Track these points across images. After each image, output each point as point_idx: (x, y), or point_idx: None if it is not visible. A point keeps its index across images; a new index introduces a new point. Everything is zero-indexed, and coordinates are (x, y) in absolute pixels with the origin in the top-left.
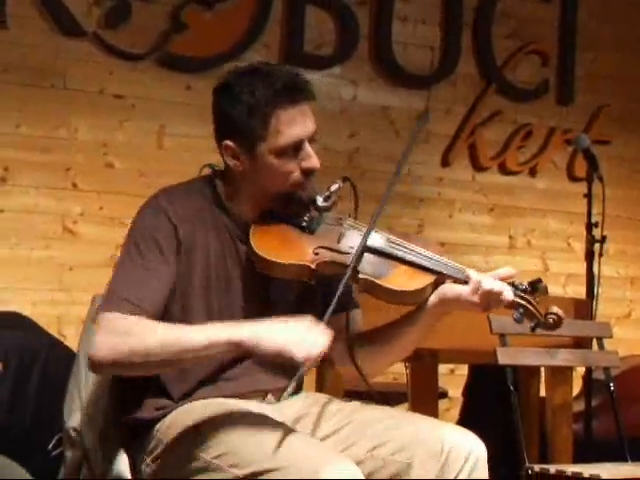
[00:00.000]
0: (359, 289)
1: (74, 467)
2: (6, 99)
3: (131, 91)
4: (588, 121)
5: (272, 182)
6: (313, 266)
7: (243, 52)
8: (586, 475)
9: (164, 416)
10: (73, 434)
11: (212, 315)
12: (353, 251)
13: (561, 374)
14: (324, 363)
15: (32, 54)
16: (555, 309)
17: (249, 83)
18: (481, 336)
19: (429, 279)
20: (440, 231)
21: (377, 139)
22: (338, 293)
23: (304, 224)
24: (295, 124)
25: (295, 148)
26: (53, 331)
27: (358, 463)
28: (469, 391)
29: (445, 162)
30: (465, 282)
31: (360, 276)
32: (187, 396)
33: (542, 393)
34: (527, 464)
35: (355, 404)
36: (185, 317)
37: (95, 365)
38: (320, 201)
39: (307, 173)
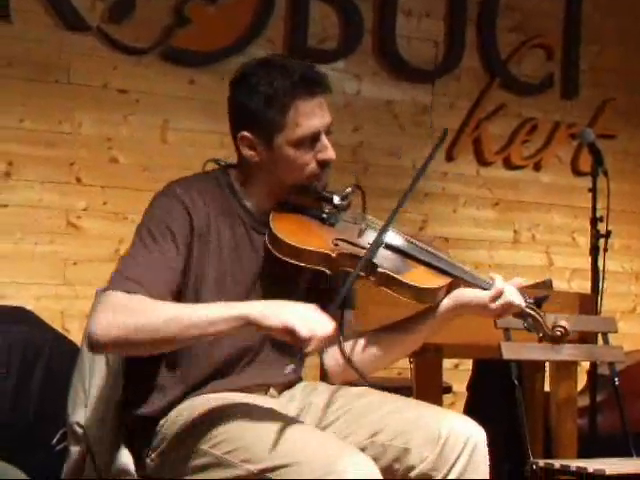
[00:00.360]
0: (376, 283)
1: (78, 462)
2: (10, 94)
3: (135, 86)
4: (593, 115)
5: (288, 173)
6: (334, 255)
7: (247, 46)
8: (590, 470)
9: (169, 411)
10: (77, 429)
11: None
12: None
13: (566, 369)
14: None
15: (36, 49)
16: (563, 322)
17: (267, 74)
18: (485, 331)
19: (446, 280)
20: (444, 226)
21: (381, 133)
22: (351, 279)
23: (324, 216)
24: (313, 116)
25: (312, 140)
26: (57, 326)
27: (361, 450)
28: (473, 386)
29: (449, 157)
30: (484, 288)
31: (379, 270)
32: (192, 391)
33: (547, 388)
34: (531, 459)
35: (352, 390)
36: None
37: (94, 343)
38: (337, 200)
39: (323, 164)
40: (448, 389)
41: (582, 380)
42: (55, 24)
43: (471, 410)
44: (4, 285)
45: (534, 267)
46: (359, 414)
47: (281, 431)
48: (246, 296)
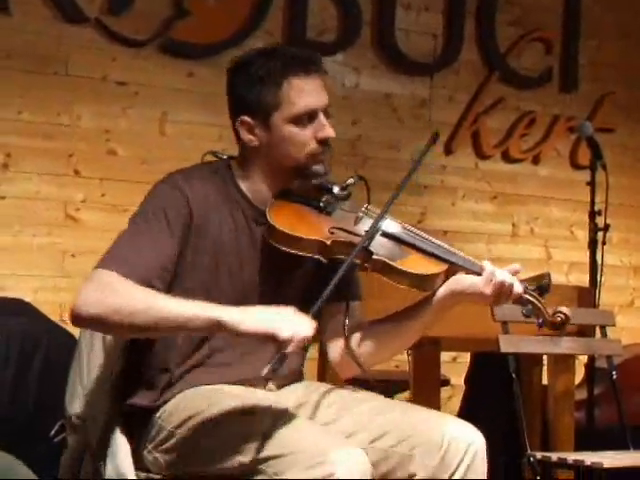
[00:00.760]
0: (370, 269)
1: (76, 453)
2: (9, 85)
3: (134, 78)
4: (592, 109)
5: (288, 153)
6: (328, 242)
7: (245, 39)
8: (588, 463)
9: (165, 403)
10: (75, 420)
11: (222, 294)
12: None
13: (564, 362)
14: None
15: (35, 41)
16: (564, 309)
17: (261, 58)
18: (483, 324)
19: (443, 266)
20: (443, 219)
21: (379, 126)
22: (344, 266)
23: (321, 205)
24: (308, 93)
25: (310, 118)
26: (55, 318)
27: None
28: (471, 379)
29: (448, 150)
30: (478, 273)
31: (374, 257)
32: (186, 383)
33: (544, 381)
34: (529, 452)
35: (354, 394)
36: (192, 295)
37: (75, 317)
38: (337, 190)
39: (322, 142)
40: (446, 382)
41: (580, 373)
42: (54, 16)
43: (469, 403)
44: (2, 277)
45: (532, 260)
46: (358, 418)
47: (274, 423)
48: (241, 288)
